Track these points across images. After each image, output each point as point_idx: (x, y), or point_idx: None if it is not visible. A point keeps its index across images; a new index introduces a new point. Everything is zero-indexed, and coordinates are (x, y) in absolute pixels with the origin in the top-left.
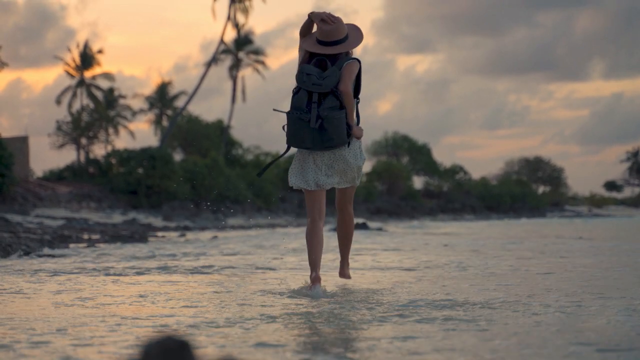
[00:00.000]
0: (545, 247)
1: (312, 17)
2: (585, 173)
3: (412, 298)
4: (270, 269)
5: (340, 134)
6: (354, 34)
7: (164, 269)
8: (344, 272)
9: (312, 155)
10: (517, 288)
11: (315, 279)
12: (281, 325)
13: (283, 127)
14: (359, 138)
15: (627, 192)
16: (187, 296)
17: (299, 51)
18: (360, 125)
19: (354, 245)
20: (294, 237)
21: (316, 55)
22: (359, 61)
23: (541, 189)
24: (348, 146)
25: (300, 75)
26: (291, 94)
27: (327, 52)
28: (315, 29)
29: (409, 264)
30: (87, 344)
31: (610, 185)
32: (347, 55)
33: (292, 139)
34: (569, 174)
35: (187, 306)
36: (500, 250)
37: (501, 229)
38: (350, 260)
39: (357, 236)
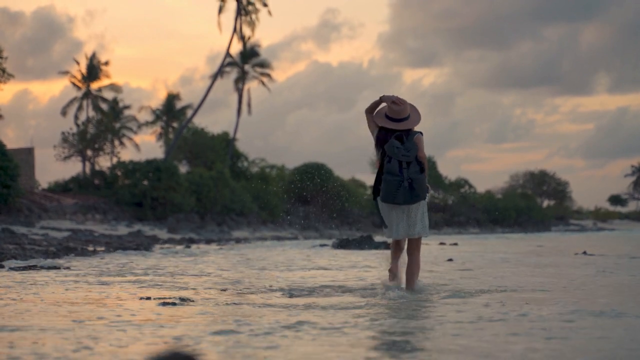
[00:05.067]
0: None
1: (384, 100)
2: (590, 187)
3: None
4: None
5: (423, 191)
6: (414, 113)
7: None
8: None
9: (394, 210)
10: None
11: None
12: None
13: (374, 198)
14: (429, 193)
15: (632, 206)
16: (213, 309)
17: (370, 124)
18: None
19: None
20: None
21: (389, 130)
22: (422, 134)
23: (546, 203)
24: (425, 200)
25: (392, 149)
26: (376, 154)
27: (399, 128)
28: (380, 107)
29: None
30: (94, 357)
31: (615, 199)
32: (414, 130)
33: (388, 196)
34: (574, 188)
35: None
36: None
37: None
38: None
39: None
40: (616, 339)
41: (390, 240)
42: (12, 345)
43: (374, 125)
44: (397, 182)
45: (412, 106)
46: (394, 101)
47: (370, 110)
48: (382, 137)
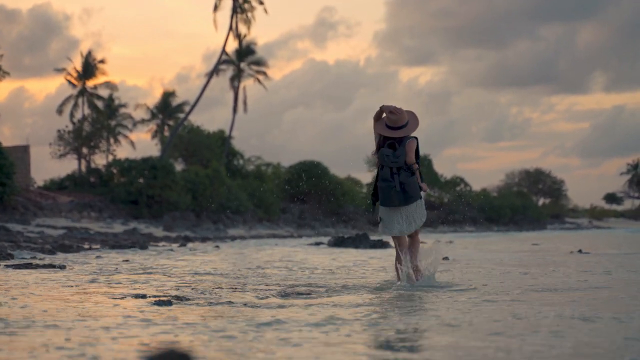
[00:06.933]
0: None
1: (383, 109)
2: (585, 185)
3: None
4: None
5: (415, 192)
6: (412, 120)
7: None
8: (415, 277)
9: (395, 211)
10: None
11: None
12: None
13: (373, 203)
14: (425, 191)
15: (628, 205)
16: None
17: (375, 132)
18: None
19: None
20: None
21: (387, 137)
22: (417, 139)
23: (541, 201)
24: (420, 199)
25: (382, 157)
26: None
27: (395, 135)
28: (384, 115)
29: None
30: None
31: (611, 198)
32: (408, 136)
33: (385, 200)
34: (570, 186)
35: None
36: None
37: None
38: None
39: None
40: None
41: (392, 242)
42: None
43: (377, 134)
44: (390, 187)
45: (411, 113)
46: (392, 111)
47: (376, 118)
48: (381, 144)
